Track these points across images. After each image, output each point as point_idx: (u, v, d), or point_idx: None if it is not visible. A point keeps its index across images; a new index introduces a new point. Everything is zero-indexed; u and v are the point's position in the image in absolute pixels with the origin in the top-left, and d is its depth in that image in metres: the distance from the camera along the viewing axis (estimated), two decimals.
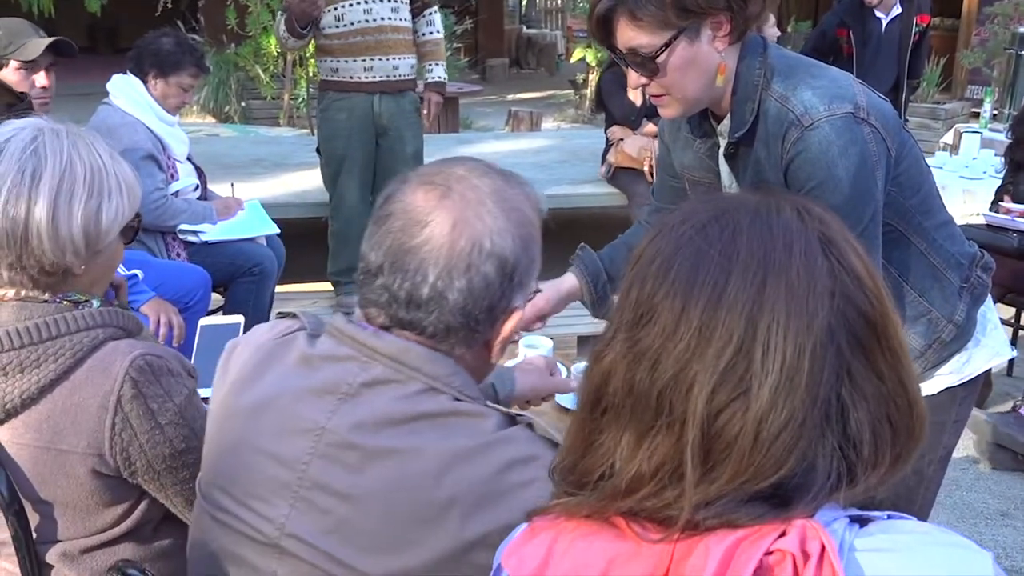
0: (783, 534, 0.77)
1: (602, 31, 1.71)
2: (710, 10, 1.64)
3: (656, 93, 1.76)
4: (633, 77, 1.74)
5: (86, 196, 1.44)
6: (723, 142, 1.85)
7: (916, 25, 5.73)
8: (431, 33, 4.66)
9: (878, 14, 5.68)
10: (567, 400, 1.91)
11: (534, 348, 2.10)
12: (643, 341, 0.84)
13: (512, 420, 1.21)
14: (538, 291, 1.33)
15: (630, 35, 1.67)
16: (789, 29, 11.16)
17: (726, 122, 1.81)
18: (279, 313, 1.40)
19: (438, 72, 4.73)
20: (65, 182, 1.42)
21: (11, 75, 2.96)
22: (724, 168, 1.88)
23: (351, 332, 1.23)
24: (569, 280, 2.07)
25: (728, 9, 1.65)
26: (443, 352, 1.22)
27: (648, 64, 1.68)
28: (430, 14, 4.64)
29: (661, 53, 1.66)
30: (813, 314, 0.80)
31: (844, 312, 0.81)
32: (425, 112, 4.67)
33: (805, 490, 0.80)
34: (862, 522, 0.82)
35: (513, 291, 1.23)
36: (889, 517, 0.83)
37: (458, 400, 1.20)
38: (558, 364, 1.92)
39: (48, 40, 2.99)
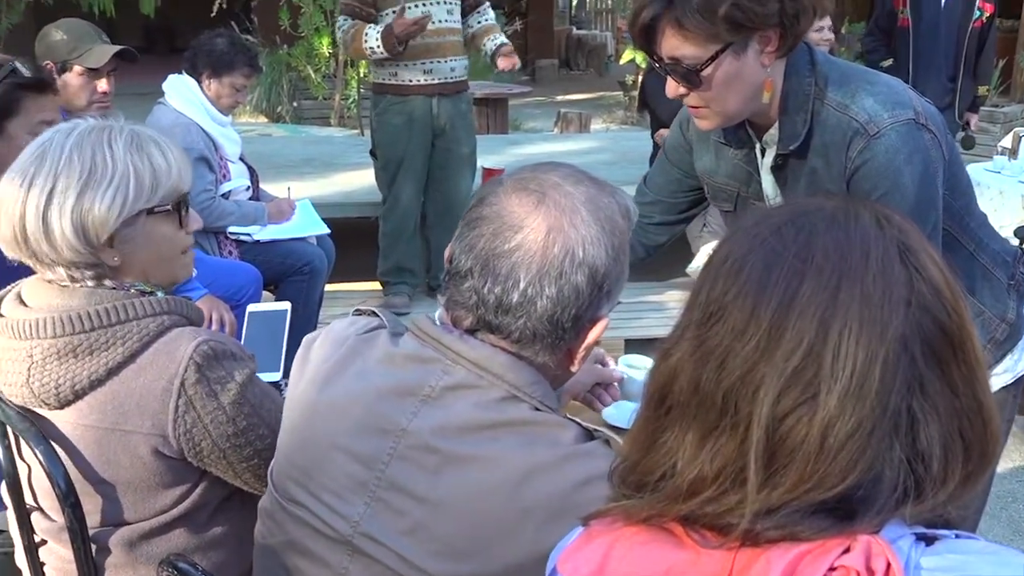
0: (847, 550, 0.76)
1: (645, 38, 1.67)
2: (761, 26, 1.61)
3: (695, 104, 1.73)
4: (671, 86, 1.71)
5: (77, 191, 1.45)
6: (769, 153, 1.82)
7: (978, 9, 5.60)
8: (486, 20, 4.64)
9: None
10: (614, 418, 1.87)
11: (635, 368, 1.97)
12: (711, 340, 0.83)
13: (590, 435, 1.20)
14: (618, 302, 1.33)
15: (674, 44, 1.63)
16: (843, 30, 11.01)
17: (772, 133, 1.78)
18: (357, 309, 1.41)
19: (501, 39, 4.62)
20: (59, 181, 1.45)
21: (73, 79, 3.01)
22: (768, 179, 1.85)
23: (436, 334, 1.23)
24: None
25: (779, 25, 1.61)
26: (527, 359, 1.22)
27: (691, 76, 1.65)
28: (484, 10, 4.64)
29: (706, 66, 1.62)
30: (887, 322, 0.78)
31: (920, 322, 0.80)
32: (509, 63, 4.52)
33: (870, 503, 0.78)
34: (928, 540, 0.80)
35: (601, 300, 1.22)
36: (956, 536, 0.80)
37: (538, 410, 1.20)
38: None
39: (113, 49, 3.03)
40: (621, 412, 1.85)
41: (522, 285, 1.18)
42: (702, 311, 0.85)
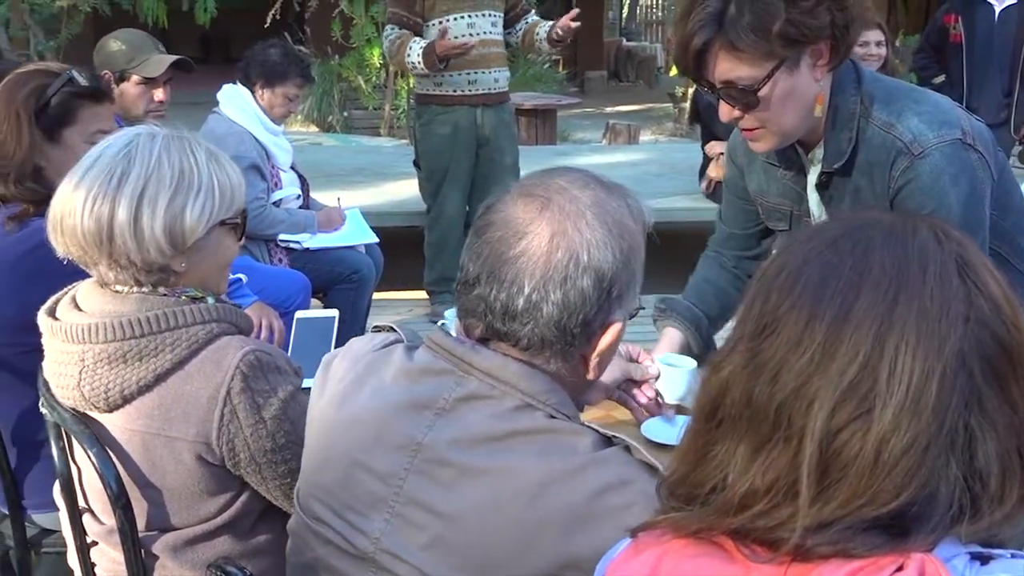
0: (901, 568, 0.74)
1: (696, 64, 1.64)
2: (814, 39, 1.59)
3: (750, 127, 1.70)
4: (726, 110, 1.68)
5: (170, 195, 1.48)
6: (814, 171, 1.80)
7: None
8: (533, 19, 4.61)
9: (990, 0, 5.46)
10: (653, 433, 1.84)
11: (674, 367, 1.92)
12: (764, 353, 0.82)
13: (608, 441, 1.18)
14: (642, 308, 1.31)
15: (728, 67, 1.61)
16: (898, 43, 10.87)
17: (818, 151, 1.77)
18: (375, 326, 1.42)
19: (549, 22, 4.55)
20: (150, 183, 1.48)
21: (131, 89, 3.07)
22: (813, 197, 1.83)
23: (448, 346, 1.23)
24: (670, 337, 2.02)
25: (831, 37, 1.60)
26: (539, 367, 1.21)
27: (747, 98, 1.63)
28: (529, 17, 4.63)
29: (762, 86, 1.61)
30: (945, 337, 0.77)
31: (978, 338, 0.78)
32: (573, 23, 4.38)
33: (925, 520, 0.76)
34: (983, 559, 0.78)
35: (611, 305, 1.20)
36: (1013, 556, 0.78)
37: (553, 417, 1.19)
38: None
39: (171, 59, 3.09)
40: (664, 429, 1.83)
41: (527, 291, 1.17)
42: (755, 324, 0.84)
